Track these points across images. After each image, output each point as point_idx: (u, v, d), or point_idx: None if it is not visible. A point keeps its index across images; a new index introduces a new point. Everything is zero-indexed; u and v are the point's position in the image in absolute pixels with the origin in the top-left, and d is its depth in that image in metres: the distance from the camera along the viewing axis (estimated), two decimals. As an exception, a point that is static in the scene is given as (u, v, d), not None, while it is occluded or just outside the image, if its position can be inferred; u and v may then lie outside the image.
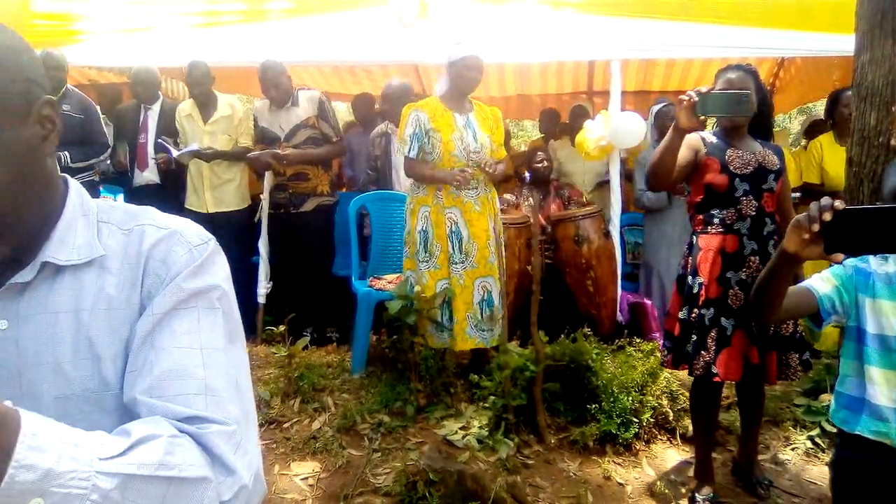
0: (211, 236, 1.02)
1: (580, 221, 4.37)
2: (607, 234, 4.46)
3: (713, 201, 2.81)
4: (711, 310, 2.76)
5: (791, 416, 3.59)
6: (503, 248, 3.86)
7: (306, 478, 3.07)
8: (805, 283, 1.79)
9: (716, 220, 2.80)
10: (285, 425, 3.45)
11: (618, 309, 4.50)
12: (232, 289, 0.99)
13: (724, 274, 2.76)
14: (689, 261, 2.89)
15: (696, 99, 2.51)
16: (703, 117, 2.64)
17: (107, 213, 0.99)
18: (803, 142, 5.80)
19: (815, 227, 1.42)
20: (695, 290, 2.81)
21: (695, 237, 2.90)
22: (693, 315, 2.80)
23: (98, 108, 4.91)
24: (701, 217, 2.87)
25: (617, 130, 4.41)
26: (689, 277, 2.86)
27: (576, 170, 5.54)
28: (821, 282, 1.78)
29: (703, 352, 2.75)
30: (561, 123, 6.64)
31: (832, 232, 1.42)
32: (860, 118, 2.28)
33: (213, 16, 4.64)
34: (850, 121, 2.46)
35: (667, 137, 2.69)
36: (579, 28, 4.55)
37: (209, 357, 0.89)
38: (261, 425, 3.45)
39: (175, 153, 4.53)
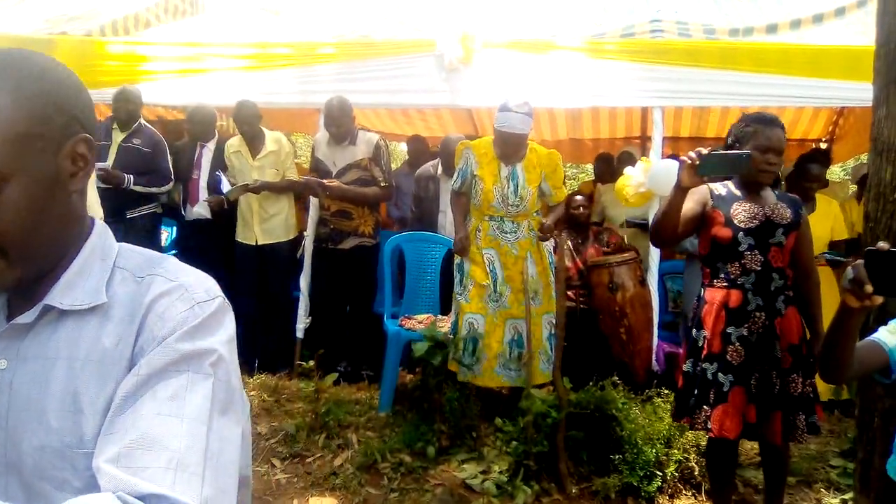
0: (220, 293, 0.94)
1: (614, 268, 4.33)
2: (643, 282, 4.40)
3: (719, 254, 2.77)
4: (714, 364, 2.71)
5: (825, 476, 3.44)
6: (552, 289, 3.86)
7: (323, 513, 3.11)
8: (873, 337, 1.74)
9: (721, 274, 2.76)
10: (308, 460, 3.51)
11: (654, 358, 4.43)
12: (234, 352, 0.92)
13: (726, 329, 2.71)
14: (696, 314, 2.85)
15: (698, 161, 2.53)
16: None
17: (126, 257, 0.95)
18: (853, 189, 5.64)
19: (869, 289, 1.44)
20: (699, 344, 2.78)
21: (702, 290, 2.86)
22: (697, 369, 2.76)
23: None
24: (708, 270, 2.84)
25: (656, 177, 4.37)
26: (694, 330, 2.83)
27: (619, 214, 5.50)
28: (889, 334, 1.72)
29: (705, 406, 2.69)
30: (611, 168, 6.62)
31: (877, 274, 1.43)
32: (876, 174, 2.23)
33: (263, 59, 4.84)
34: None
35: (670, 195, 2.69)
36: (622, 75, 4.56)
37: (189, 429, 0.81)
38: (283, 459, 3.51)
39: (225, 190, 4.71)
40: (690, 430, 2.86)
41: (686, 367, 2.83)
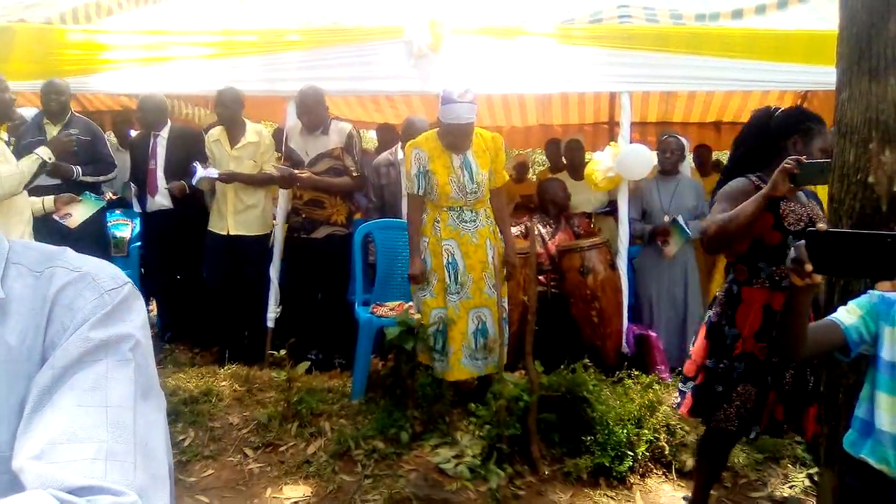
0: (128, 279, 0.90)
1: (585, 252, 4.37)
2: (613, 266, 4.45)
3: (761, 254, 2.64)
4: (743, 364, 2.63)
5: (792, 452, 3.51)
6: (504, 277, 3.88)
7: (297, 502, 3.11)
8: (831, 317, 1.80)
9: (763, 275, 2.65)
10: (281, 448, 3.50)
11: (624, 341, 4.48)
12: (149, 338, 0.89)
13: (771, 332, 2.56)
14: (726, 310, 2.72)
15: (798, 171, 2.35)
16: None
17: (20, 253, 0.90)
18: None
19: (809, 268, 1.54)
20: (728, 342, 2.68)
21: (735, 286, 2.72)
22: (720, 366, 2.67)
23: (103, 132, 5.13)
24: (744, 268, 2.69)
25: (625, 162, 4.42)
26: (726, 327, 2.70)
27: (576, 202, 5.51)
28: (846, 314, 1.79)
29: (725, 405, 2.63)
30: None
31: (817, 254, 1.51)
32: (840, 155, 2.27)
33: (228, 47, 4.78)
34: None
35: (754, 201, 2.47)
36: (591, 60, 4.58)
37: (115, 417, 0.78)
38: (256, 448, 3.50)
39: (195, 179, 4.64)
40: (705, 425, 2.81)
41: (709, 363, 2.71)
